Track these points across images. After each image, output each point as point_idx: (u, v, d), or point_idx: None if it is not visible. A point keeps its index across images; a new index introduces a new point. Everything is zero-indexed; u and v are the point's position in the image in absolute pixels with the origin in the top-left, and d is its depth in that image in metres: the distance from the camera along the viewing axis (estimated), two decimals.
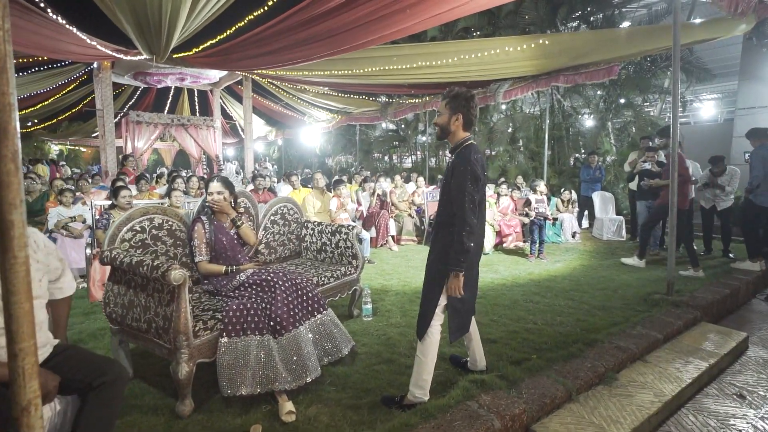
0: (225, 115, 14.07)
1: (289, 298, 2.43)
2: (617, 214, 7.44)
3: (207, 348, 2.19)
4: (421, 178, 8.13)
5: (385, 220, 6.45)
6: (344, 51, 6.12)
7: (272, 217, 3.50)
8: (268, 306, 2.35)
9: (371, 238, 6.21)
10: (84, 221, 4.75)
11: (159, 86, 11.08)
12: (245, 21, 6.42)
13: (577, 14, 9.16)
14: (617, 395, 2.37)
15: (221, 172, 10.50)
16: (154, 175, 10.02)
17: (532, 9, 9.03)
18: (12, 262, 0.95)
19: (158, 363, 2.60)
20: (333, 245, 3.52)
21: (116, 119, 9.88)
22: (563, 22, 9.02)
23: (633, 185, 5.94)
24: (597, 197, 7.28)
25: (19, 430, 0.81)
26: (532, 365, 2.50)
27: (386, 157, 16.14)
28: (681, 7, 3.93)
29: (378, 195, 6.67)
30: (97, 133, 10.50)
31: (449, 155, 2.27)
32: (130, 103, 14.28)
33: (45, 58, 8.02)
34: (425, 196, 6.99)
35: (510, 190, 6.77)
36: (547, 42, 6.18)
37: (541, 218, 5.78)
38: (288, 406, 2.09)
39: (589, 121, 10.07)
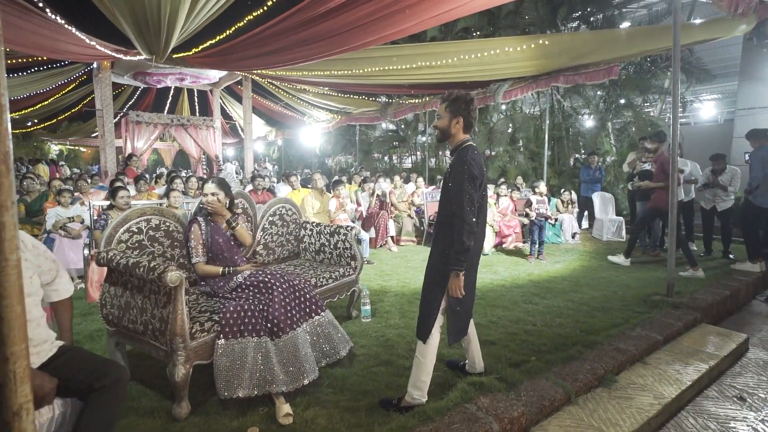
0: (225, 115, 14.06)
1: (287, 300, 2.41)
2: (617, 214, 7.43)
3: (204, 350, 2.17)
4: (420, 179, 8.12)
5: (385, 221, 6.44)
6: (344, 51, 6.11)
7: (270, 218, 3.49)
8: (266, 308, 2.34)
9: (370, 238, 6.20)
10: (82, 222, 4.74)
11: (159, 86, 11.07)
12: (245, 21, 6.42)
13: (577, 14, 9.15)
14: (616, 398, 2.35)
15: (221, 173, 10.49)
16: (154, 176, 10.03)
17: (532, 9, 9.02)
18: (3, 264, 0.93)
19: (155, 365, 2.58)
20: (331, 246, 3.50)
21: (116, 119, 9.86)
22: (563, 22, 9.01)
23: (631, 185, 5.93)
24: (597, 198, 7.27)
25: None
26: (531, 367, 2.49)
27: (386, 158, 16.13)
28: (681, 7, 3.92)
29: (377, 195, 6.66)
30: (97, 133, 10.49)
31: (449, 156, 2.29)
32: (130, 103, 14.27)
33: (44, 58, 8.01)
34: (425, 196, 6.98)
35: (509, 190, 6.76)
36: (547, 42, 6.17)
37: (542, 219, 5.77)
38: (285, 408, 2.07)
39: (589, 122, 10.06)
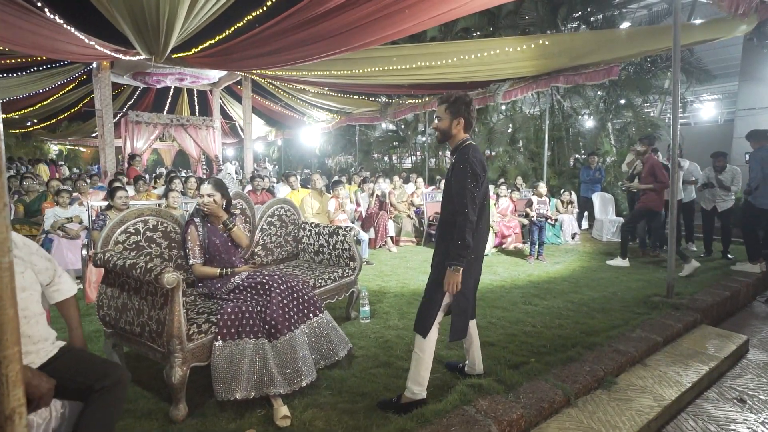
0: (224, 115, 14.06)
1: (285, 301, 2.40)
2: (617, 215, 7.42)
3: (201, 352, 2.16)
4: (420, 179, 8.11)
5: (384, 221, 6.43)
6: (344, 52, 6.10)
7: (269, 219, 3.48)
8: (263, 309, 2.33)
9: (370, 239, 6.19)
10: (81, 222, 4.73)
11: (158, 86, 11.07)
12: (244, 21, 6.41)
13: (577, 14, 9.13)
14: (616, 400, 2.34)
15: (220, 173, 10.47)
16: (153, 176, 10.02)
17: (532, 9, 9.01)
18: None
19: (152, 366, 2.57)
20: (330, 247, 3.49)
21: (115, 119, 9.86)
22: (563, 22, 8.99)
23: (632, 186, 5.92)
24: (597, 198, 7.26)
25: None
26: (531, 369, 2.48)
27: (386, 158, 16.12)
28: (681, 7, 3.91)
29: (377, 196, 6.65)
30: (97, 133, 10.49)
31: (450, 156, 2.29)
32: (130, 103, 14.27)
33: (44, 57, 8.00)
34: (424, 197, 6.97)
35: (509, 191, 6.75)
36: (547, 42, 6.16)
37: (542, 219, 5.76)
38: (283, 410, 2.06)
39: (589, 122, 10.05)
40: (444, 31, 9.45)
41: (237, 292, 2.44)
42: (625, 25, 9.32)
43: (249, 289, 2.43)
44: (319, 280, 3.08)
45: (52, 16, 5.31)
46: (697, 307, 3.53)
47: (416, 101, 9.99)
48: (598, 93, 9.61)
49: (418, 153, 14.98)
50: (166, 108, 14.61)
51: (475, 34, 9.70)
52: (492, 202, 6.57)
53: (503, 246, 6.35)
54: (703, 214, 5.74)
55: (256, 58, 7.13)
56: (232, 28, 6.69)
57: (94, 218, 4.10)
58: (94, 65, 8.35)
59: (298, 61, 6.77)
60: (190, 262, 2.49)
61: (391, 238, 6.49)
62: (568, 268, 5.23)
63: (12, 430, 0.99)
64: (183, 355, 2.06)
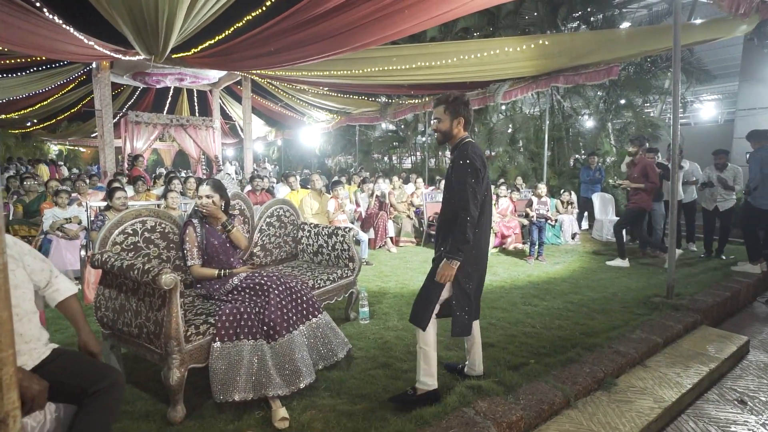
0: (224, 115, 14.05)
1: (283, 302, 2.39)
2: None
3: (199, 353, 2.15)
4: (420, 179, 8.10)
5: (384, 222, 6.42)
6: (343, 52, 6.10)
7: (268, 219, 3.47)
8: (262, 310, 2.32)
9: (369, 239, 6.18)
10: (79, 222, 4.72)
11: (158, 86, 11.06)
12: (244, 21, 6.40)
13: (577, 14, 9.12)
14: (616, 401, 2.33)
15: (219, 173, 10.47)
16: (153, 176, 10.02)
17: (532, 9, 9.00)
18: None
19: (150, 368, 2.56)
20: (329, 247, 3.48)
21: (115, 119, 9.85)
22: (563, 22, 8.98)
23: None
24: (597, 198, 7.25)
25: None
26: (530, 370, 2.47)
27: (386, 158, 16.11)
28: (681, 7, 3.90)
29: (376, 196, 6.64)
30: (96, 134, 10.49)
31: (450, 156, 2.30)
32: (129, 103, 14.26)
33: (43, 58, 7.99)
34: (424, 197, 6.96)
35: (509, 191, 6.74)
36: (546, 42, 6.15)
37: (542, 219, 5.75)
38: (281, 412, 2.05)
39: (589, 122, 10.04)
40: (444, 31, 9.44)
41: (235, 293, 2.43)
42: (625, 25, 9.31)
43: (247, 290, 2.42)
44: (318, 281, 3.07)
45: (51, 16, 5.30)
46: (697, 308, 3.52)
47: (416, 101, 9.98)
48: (598, 93, 9.60)
49: (418, 153, 14.98)
50: (166, 108, 14.61)
51: (475, 34, 9.69)
52: (492, 202, 6.55)
53: (503, 246, 6.34)
54: (704, 214, 5.73)
55: (256, 58, 7.12)
56: (232, 28, 6.68)
57: (92, 219, 4.09)
58: (94, 65, 8.34)
59: (298, 61, 6.77)
60: (188, 263, 2.48)
61: (391, 238, 6.48)
62: (568, 268, 5.22)
63: None
64: (181, 357, 2.05)
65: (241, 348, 2.20)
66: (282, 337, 2.29)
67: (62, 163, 17.38)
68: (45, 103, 12.74)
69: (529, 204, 6.09)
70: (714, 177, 5.43)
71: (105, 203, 4.25)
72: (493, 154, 10.66)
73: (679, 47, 3.72)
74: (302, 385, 2.20)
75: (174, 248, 2.72)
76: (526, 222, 6.15)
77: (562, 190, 7.36)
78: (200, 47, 7.51)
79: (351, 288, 3.38)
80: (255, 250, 3.37)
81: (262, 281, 2.44)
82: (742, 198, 5.53)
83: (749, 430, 2.25)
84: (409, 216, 7.00)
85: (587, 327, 3.21)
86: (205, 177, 9.18)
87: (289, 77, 8.90)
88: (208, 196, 2.54)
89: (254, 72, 9.31)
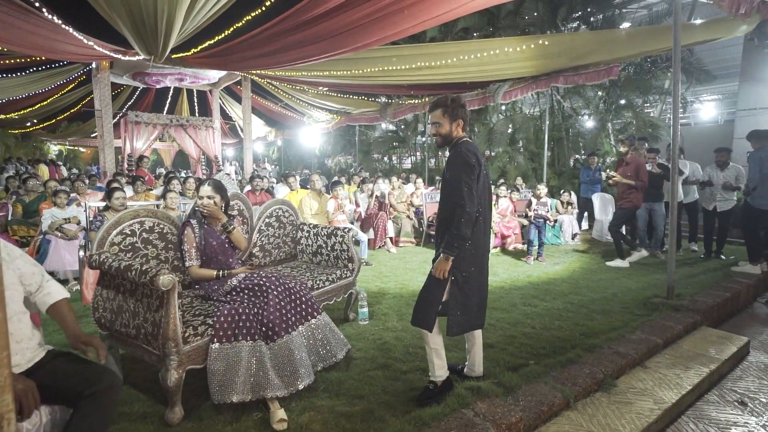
0: (224, 115, 14.04)
1: (282, 303, 2.38)
2: None
3: (197, 354, 2.14)
4: (420, 180, 8.09)
5: (384, 222, 6.41)
6: (343, 53, 6.09)
7: (267, 220, 3.46)
8: (260, 311, 2.31)
9: (369, 240, 6.17)
10: (78, 223, 4.71)
11: (158, 86, 11.05)
12: (243, 21, 6.40)
13: (577, 15, 9.12)
14: (616, 402, 2.32)
15: (219, 173, 10.46)
16: (153, 176, 10.01)
17: (532, 9, 9.00)
18: None
19: (148, 369, 2.55)
20: (329, 248, 3.47)
21: (115, 119, 9.84)
22: (563, 22, 8.98)
23: None
24: (597, 199, 7.24)
25: None
26: (530, 371, 2.46)
27: (386, 158, 16.11)
28: (682, 7, 3.89)
29: (376, 197, 6.63)
30: (96, 134, 10.49)
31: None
32: (129, 103, 14.25)
33: (43, 58, 7.99)
34: (424, 197, 6.95)
35: (509, 191, 6.73)
36: (546, 43, 6.15)
37: (540, 219, 5.74)
38: (280, 413, 2.04)
39: (589, 122, 10.03)
40: (444, 31, 9.44)
41: (234, 294, 2.42)
42: (625, 25, 9.31)
43: (246, 291, 2.41)
44: (317, 282, 3.06)
45: (50, 17, 5.30)
46: (697, 308, 3.51)
47: (416, 101, 9.97)
48: (598, 93, 9.59)
49: (418, 153, 14.97)
50: (166, 108, 14.60)
51: (475, 35, 9.69)
52: (491, 202, 6.54)
53: (503, 247, 6.33)
54: (704, 213, 5.72)
55: (256, 58, 7.12)
56: (232, 29, 6.68)
57: (91, 219, 4.08)
58: (94, 65, 8.33)
59: (298, 61, 6.76)
60: (187, 264, 2.47)
61: (391, 239, 6.47)
62: (567, 269, 5.21)
63: None
64: (179, 358, 2.04)
65: (240, 349, 2.19)
66: (281, 338, 2.28)
67: (61, 164, 17.37)
68: (45, 103, 12.73)
69: (529, 204, 6.09)
70: (716, 177, 5.42)
71: (104, 203, 4.24)
72: (492, 154, 10.66)
73: (679, 47, 3.71)
74: (301, 387, 2.19)
75: (172, 249, 2.71)
76: (526, 222, 6.14)
77: (561, 191, 7.35)
78: (200, 47, 7.51)
79: (350, 288, 3.37)
80: (254, 251, 3.36)
81: (261, 282, 2.43)
82: (742, 198, 5.52)
83: (749, 431, 2.24)
84: (408, 216, 6.99)
85: (587, 328, 3.20)
86: (205, 177, 9.17)
87: (288, 77, 8.89)
88: (209, 197, 2.54)
89: (254, 72, 9.31)
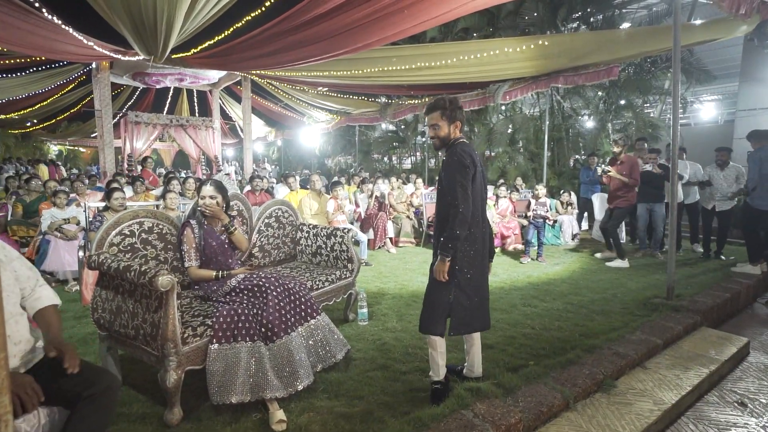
0: (224, 115, 14.03)
1: (281, 304, 2.38)
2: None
3: (196, 355, 2.14)
4: (419, 180, 8.08)
5: (383, 222, 6.41)
6: (344, 53, 6.09)
7: (266, 220, 3.46)
8: (260, 312, 2.31)
9: (369, 240, 6.17)
10: (78, 223, 4.71)
11: (158, 87, 11.04)
12: (243, 22, 6.40)
13: (577, 15, 9.12)
14: (616, 403, 2.32)
15: (219, 173, 10.47)
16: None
17: (532, 10, 9.00)
18: None
19: (147, 369, 2.54)
20: (328, 248, 3.47)
21: (115, 120, 9.84)
22: (563, 22, 8.98)
23: None
24: (597, 199, 7.23)
25: None
26: (529, 372, 2.46)
27: (386, 158, 16.11)
28: (681, 7, 3.89)
29: (376, 197, 6.63)
30: (96, 134, 10.50)
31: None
32: (129, 103, 14.25)
33: (43, 58, 7.99)
34: (424, 197, 6.95)
35: (509, 191, 6.73)
36: (546, 43, 6.15)
37: (540, 220, 5.73)
38: (279, 414, 2.04)
39: (589, 123, 10.03)
40: (444, 31, 9.44)
41: (233, 294, 2.42)
42: (625, 25, 9.30)
43: (245, 292, 2.41)
44: (317, 282, 3.05)
45: (50, 17, 5.30)
46: (697, 309, 3.51)
47: (416, 102, 9.97)
48: (598, 93, 9.60)
49: (418, 153, 14.98)
50: (166, 108, 14.60)
51: (474, 35, 9.69)
52: (491, 202, 6.55)
53: (503, 247, 6.32)
54: (703, 213, 5.72)
55: (256, 58, 7.12)
56: (231, 29, 6.68)
57: (91, 219, 4.08)
58: (94, 65, 8.33)
59: (298, 62, 6.76)
60: (186, 264, 2.47)
61: (390, 239, 6.47)
62: (567, 269, 5.20)
63: None
64: (178, 359, 2.04)
65: (239, 350, 2.19)
66: (280, 338, 2.28)
67: (60, 164, 17.38)
68: (45, 103, 12.73)
69: (528, 205, 6.09)
70: (716, 176, 5.42)
71: (103, 204, 4.24)
72: (492, 154, 10.66)
73: (679, 48, 3.71)
74: (300, 387, 2.19)
75: (171, 249, 2.71)
76: (525, 223, 6.14)
77: (561, 191, 7.35)
78: (200, 47, 7.51)
79: (350, 289, 3.37)
80: (254, 251, 3.36)
81: (260, 282, 2.43)
82: (742, 199, 5.52)
83: None
84: (408, 216, 6.99)
85: (587, 328, 3.20)
86: (205, 177, 9.18)
87: (288, 77, 8.89)
88: (211, 197, 2.53)
89: (254, 72, 9.30)
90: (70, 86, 11.35)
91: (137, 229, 2.53)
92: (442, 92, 8.51)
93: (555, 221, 6.66)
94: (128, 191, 5.81)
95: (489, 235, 2.39)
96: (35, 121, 16.21)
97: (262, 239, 3.42)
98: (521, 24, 9.29)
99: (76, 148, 22.85)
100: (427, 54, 6.77)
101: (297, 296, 2.51)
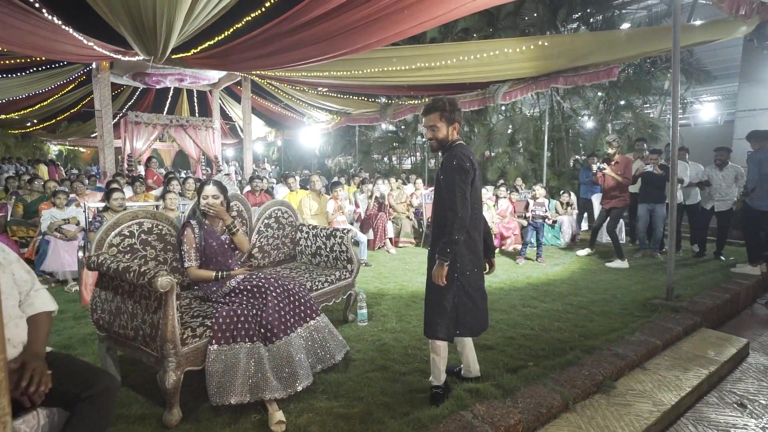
0: (224, 115, 14.04)
1: (281, 305, 2.38)
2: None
3: (196, 356, 2.14)
4: (419, 180, 8.08)
5: (383, 223, 6.41)
6: (344, 54, 6.09)
7: (266, 221, 3.46)
8: (259, 312, 2.31)
9: (369, 240, 6.17)
10: (78, 223, 4.71)
11: (158, 87, 11.06)
12: (243, 22, 6.40)
13: (577, 15, 9.13)
14: (615, 404, 2.32)
15: (219, 173, 10.48)
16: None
17: (532, 10, 9.01)
18: None
19: (147, 370, 2.54)
20: (328, 249, 3.47)
21: (115, 120, 9.85)
22: (563, 23, 8.99)
23: (633, 188, 5.91)
24: (596, 199, 7.23)
25: None
26: (529, 373, 2.45)
27: (386, 159, 16.11)
28: (681, 8, 3.89)
29: (376, 197, 6.63)
30: (96, 134, 10.50)
31: (441, 157, 2.32)
32: (129, 103, 14.25)
33: (43, 58, 7.99)
34: (423, 198, 6.95)
35: (508, 192, 6.73)
36: (546, 43, 6.15)
37: (539, 220, 5.73)
38: (278, 415, 2.04)
39: (588, 123, 10.03)
40: (443, 32, 9.44)
41: (233, 295, 2.42)
42: (625, 26, 9.31)
43: (245, 292, 2.41)
44: (316, 283, 3.05)
45: (50, 17, 5.30)
46: (697, 309, 3.51)
47: (416, 102, 9.97)
48: (598, 94, 9.60)
49: (418, 154, 14.98)
50: (166, 108, 14.60)
51: (474, 36, 9.70)
52: (491, 203, 6.55)
53: (502, 248, 6.32)
54: (702, 212, 5.73)
55: (256, 59, 7.12)
56: (231, 29, 6.69)
57: (90, 220, 4.08)
58: (94, 66, 8.34)
59: (298, 62, 6.76)
60: (186, 264, 2.47)
61: (390, 239, 6.47)
62: (567, 269, 5.20)
63: None
64: (177, 360, 2.04)
65: (238, 351, 2.19)
66: (279, 339, 2.28)
67: (59, 164, 17.38)
68: (45, 103, 12.74)
69: (526, 206, 6.09)
70: (715, 176, 5.42)
71: (103, 204, 4.24)
72: (492, 154, 10.66)
73: (679, 48, 3.71)
74: (299, 388, 2.19)
75: (171, 250, 2.71)
76: (525, 223, 6.14)
77: (561, 191, 7.35)
78: (200, 48, 7.51)
79: (349, 290, 3.37)
80: (253, 252, 3.36)
81: (260, 283, 2.43)
82: (742, 199, 5.53)
83: None
84: (408, 217, 6.99)
85: (586, 329, 3.20)
86: (205, 177, 9.18)
87: (288, 78, 8.90)
88: (215, 197, 2.53)
89: (254, 72, 9.31)
90: (71, 86, 11.35)
91: (137, 230, 2.53)
92: (442, 93, 8.50)
93: (555, 221, 6.66)
94: (128, 191, 5.81)
95: (487, 233, 2.39)
96: (35, 121, 16.22)
97: (261, 240, 3.42)
98: (521, 24, 9.29)
99: (76, 148, 22.86)
100: (427, 54, 6.77)
101: (296, 297, 2.51)
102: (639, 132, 8.57)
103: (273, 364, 2.22)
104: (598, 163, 5.69)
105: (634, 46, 6.03)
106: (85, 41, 6.28)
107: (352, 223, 6.31)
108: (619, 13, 9.14)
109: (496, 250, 6.29)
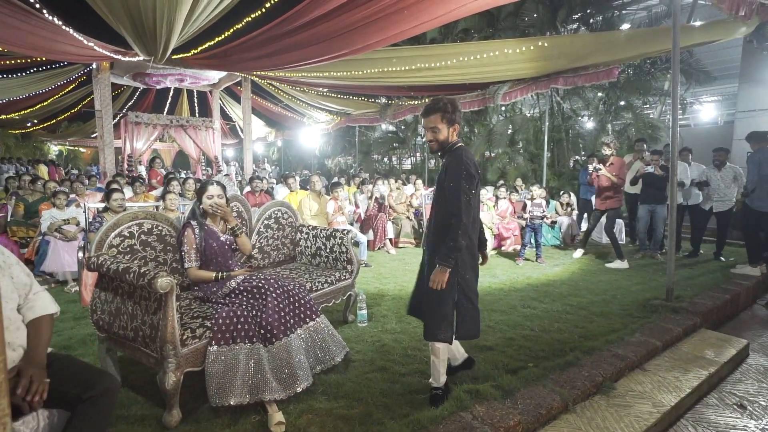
0: (224, 116, 14.05)
1: (281, 305, 2.38)
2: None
3: (195, 357, 2.14)
4: (419, 181, 8.08)
5: (383, 223, 6.41)
6: (344, 55, 6.09)
7: (266, 221, 3.46)
8: (259, 313, 2.31)
9: (369, 241, 6.17)
10: (77, 224, 4.71)
11: (158, 87, 11.07)
12: (243, 23, 6.41)
13: (577, 16, 9.13)
14: (615, 405, 2.32)
15: (219, 173, 10.48)
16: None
17: (532, 11, 9.01)
18: None
19: (146, 371, 2.54)
20: (327, 250, 3.47)
21: (115, 120, 9.86)
22: (563, 24, 8.99)
23: (633, 189, 5.92)
24: None
25: None
26: (528, 374, 2.45)
27: (386, 159, 16.11)
28: (681, 9, 3.89)
29: (376, 198, 6.63)
30: (96, 134, 10.51)
31: (441, 158, 2.30)
32: (130, 103, 14.26)
33: (43, 58, 8.00)
34: (423, 198, 6.95)
35: (508, 192, 6.72)
36: (546, 44, 6.16)
37: (539, 220, 5.73)
38: (278, 416, 2.04)
39: (588, 124, 10.04)
40: (444, 32, 9.45)
41: (233, 296, 2.42)
42: (625, 26, 9.31)
43: (245, 293, 2.41)
44: (316, 284, 3.05)
45: (50, 18, 5.30)
46: (696, 310, 3.51)
47: (416, 102, 9.98)
48: (598, 94, 9.61)
49: (418, 154, 14.98)
50: (166, 109, 14.61)
51: (474, 36, 9.70)
52: (491, 203, 6.55)
53: (502, 248, 6.32)
54: (700, 213, 5.73)
55: (256, 59, 7.13)
56: (231, 30, 6.69)
57: (90, 220, 4.08)
58: (94, 66, 8.35)
59: (298, 63, 6.77)
60: (186, 265, 2.47)
61: (390, 240, 6.47)
62: (567, 270, 5.20)
63: None
64: (177, 361, 2.04)
65: (238, 352, 2.19)
66: (279, 340, 2.28)
67: (59, 164, 17.39)
68: (45, 103, 12.75)
69: (524, 207, 6.10)
70: (714, 177, 5.43)
71: (103, 204, 4.24)
72: (492, 155, 10.66)
73: (679, 49, 3.71)
74: (299, 389, 2.19)
75: (171, 251, 2.71)
76: (524, 224, 6.14)
77: (561, 192, 7.35)
78: (200, 48, 7.52)
79: (349, 290, 3.37)
80: (253, 253, 3.36)
81: (260, 284, 2.43)
82: (741, 200, 5.53)
83: None
84: (408, 217, 6.99)
85: (586, 330, 3.20)
86: (205, 178, 9.19)
87: (288, 78, 8.90)
88: (219, 196, 2.54)
89: (254, 73, 9.32)
90: (71, 87, 11.36)
91: (137, 231, 2.53)
92: (442, 93, 8.51)
93: (554, 222, 6.65)
94: (128, 192, 5.81)
95: (480, 230, 2.39)
96: (35, 121, 16.23)
97: (261, 240, 3.42)
98: (521, 25, 9.30)
99: (76, 148, 22.87)
100: (427, 55, 6.78)
101: (296, 298, 2.51)
102: (639, 132, 8.58)
103: (273, 365, 2.22)
104: (593, 164, 5.71)
105: (634, 46, 6.04)
106: (85, 41, 6.29)
107: (352, 224, 6.31)
108: (619, 13, 9.15)
109: (495, 251, 6.29)
